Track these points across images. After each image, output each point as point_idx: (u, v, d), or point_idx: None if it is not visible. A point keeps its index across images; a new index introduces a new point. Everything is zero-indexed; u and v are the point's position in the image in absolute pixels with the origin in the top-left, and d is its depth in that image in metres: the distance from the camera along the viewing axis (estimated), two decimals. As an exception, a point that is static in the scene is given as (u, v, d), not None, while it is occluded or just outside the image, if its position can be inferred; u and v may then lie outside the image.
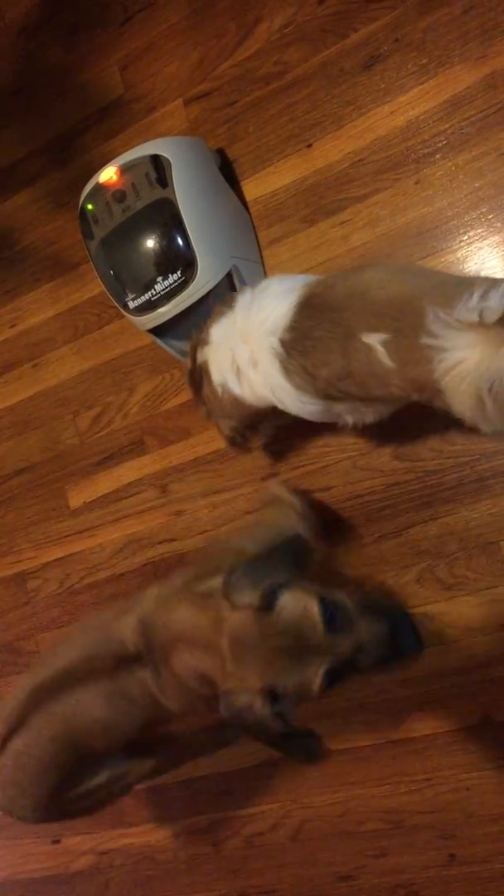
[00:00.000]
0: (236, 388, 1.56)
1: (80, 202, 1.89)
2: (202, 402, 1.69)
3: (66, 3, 2.26)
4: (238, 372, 1.54)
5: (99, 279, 1.92)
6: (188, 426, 2.08)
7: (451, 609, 1.78)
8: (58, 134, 2.29)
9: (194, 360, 1.65)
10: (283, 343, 1.42)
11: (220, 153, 2.03)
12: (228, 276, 1.85)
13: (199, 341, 1.63)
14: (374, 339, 1.30)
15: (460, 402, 1.16)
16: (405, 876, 1.84)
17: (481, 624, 1.75)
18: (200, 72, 2.07)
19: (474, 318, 1.11)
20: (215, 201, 1.89)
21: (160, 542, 2.13)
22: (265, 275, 1.97)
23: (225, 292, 1.88)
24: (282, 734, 1.37)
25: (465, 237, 1.78)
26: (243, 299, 1.55)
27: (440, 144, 1.80)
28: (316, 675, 1.32)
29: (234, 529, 2.01)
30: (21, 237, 2.34)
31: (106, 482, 2.21)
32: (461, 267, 1.78)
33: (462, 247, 1.79)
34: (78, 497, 2.25)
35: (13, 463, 2.37)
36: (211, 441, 2.02)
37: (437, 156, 1.81)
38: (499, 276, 1.75)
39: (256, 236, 1.99)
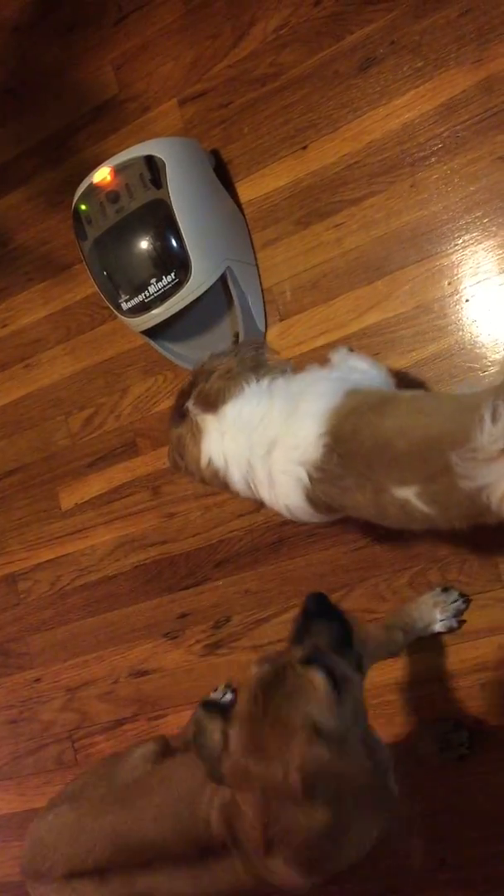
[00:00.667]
0: (236, 481, 1.51)
1: (74, 202, 1.89)
2: (175, 449, 1.62)
3: (61, 1, 2.26)
4: (248, 471, 1.49)
5: (92, 280, 1.91)
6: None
7: (444, 613, 1.78)
8: (52, 133, 2.28)
9: (184, 398, 1.58)
10: (311, 478, 1.40)
11: (215, 154, 2.02)
12: (222, 278, 1.85)
13: (204, 402, 1.54)
14: (407, 493, 1.29)
15: None
16: (394, 880, 1.84)
17: (474, 628, 1.74)
18: (195, 72, 2.06)
19: (497, 447, 1.12)
20: (210, 203, 1.89)
21: (152, 545, 2.13)
22: (259, 278, 1.96)
23: (219, 294, 1.88)
24: None
25: (460, 241, 1.78)
26: (275, 400, 1.48)
27: (436, 148, 1.80)
28: None
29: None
30: (14, 237, 2.33)
31: (98, 483, 2.20)
32: (456, 271, 1.78)
33: (457, 251, 1.78)
34: (70, 498, 2.25)
35: (4, 464, 2.36)
36: (204, 443, 2.02)
37: (433, 159, 1.80)
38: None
39: (251, 238, 1.98)
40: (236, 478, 1.50)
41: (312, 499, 1.42)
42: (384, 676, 1.83)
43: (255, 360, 1.57)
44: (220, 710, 1.20)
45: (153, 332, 1.90)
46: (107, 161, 1.84)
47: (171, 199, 1.78)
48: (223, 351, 1.64)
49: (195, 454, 1.55)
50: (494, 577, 1.73)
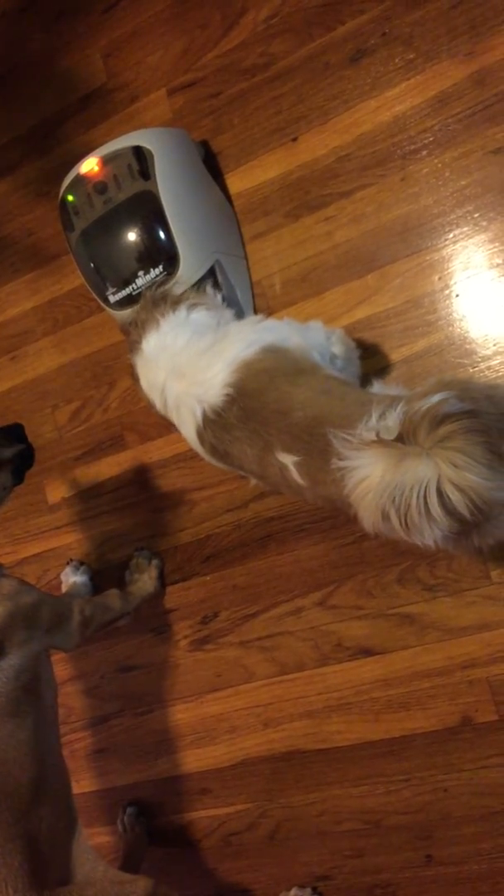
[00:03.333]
0: (158, 407, 1.61)
1: (61, 193, 1.86)
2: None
3: (49, -12, 2.22)
4: (162, 397, 1.58)
5: (79, 272, 1.88)
6: (168, 422, 2.05)
7: (432, 610, 1.77)
8: (39, 122, 2.25)
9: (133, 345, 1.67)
10: (206, 418, 1.48)
11: (204, 145, 2.00)
12: (211, 271, 1.83)
13: (132, 342, 1.66)
14: (288, 459, 1.38)
15: (367, 516, 1.20)
16: (383, 876, 1.84)
17: (462, 625, 1.74)
18: (185, 62, 2.04)
19: (373, 436, 1.18)
20: (199, 195, 1.86)
21: (139, 539, 2.11)
22: (249, 271, 1.94)
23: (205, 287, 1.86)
24: None
25: (451, 235, 1.77)
26: (201, 335, 1.56)
27: (427, 141, 1.78)
28: None
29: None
30: (0, 227, 2.30)
31: (85, 477, 2.18)
32: (446, 266, 1.76)
33: (447, 245, 1.77)
34: (56, 492, 2.23)
35: (-9, 456, 2.33)
36: (192, 437, 2.00)
37: (424, 152, 1.79)
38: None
39: (240, 231, 1.96)
40: (157, 404, 1.60)
41: (201, 436, 1.50)
42: (371, 674, 1.83)
43: (163, 294, 1.65)
44: None
45: (141, 325, 1.87)
46: (94, 151, 1.82)
47: (160, 190, 1.75)
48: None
49: (140, 393, 1.67)
50: (482, 573, 1.72)
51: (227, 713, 1.99)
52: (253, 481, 1.65)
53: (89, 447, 2.17)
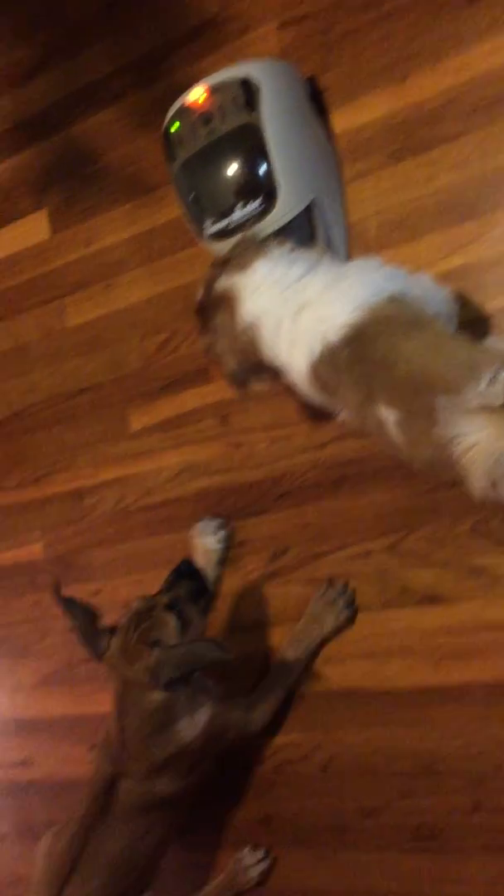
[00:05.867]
0: (265, 337, 1.57)
1: (166, 122, 1.88)
2: (208, 331, 1.71)
3: None
4: (277, 327, 1.55)
5: (179, 202, 1.90)
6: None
7: (502, 563, 1.77)
8: (147, 51, 2.25)
9: (213, 281, 1.65)
10: (322, 355, 1.46)
11: (311, 82, 1.98)
12: (308, 208, 1.83)
13: (232, 265, 1.63)
14: (388, 415, 1.37)
15: (475, 483, 1.21)
16: (428, 818, 1.87)
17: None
18: (298, -6, 2.01)
19: (479, 404, 1.18)
20: (302, 131, 1.85)
21: (216, 472, 2.16)
22: (346, 211, 1.93)
23: (303, 225, 1.86)
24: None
25: None
26: (317, 269, 1.55)
27: (540, 87, 1.74)
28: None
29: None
30: (102, 155, 2.33)
31: (168, 408, 2.23)
32: (549, 217, 1.73)
33: (551, 196, 1.73)
34: (139, 420, 2.28)
35: (78, 381, 2.40)
36: (275, 375, 2.02)
37: (536, 99, 1.74)
38: None
39: (341, 170, 1.95)
40: (266, 334, 1.57)
41: (315, 372, 1.49)
42: (435, 621, 1.85)
43: (262, 238, 1.69)
44: (110, 629, 1.83)
45: (234, 260, 1.89)
46: (202, 80, 1.82)
47: (264, 124, 1.75)
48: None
49: (233, 326, 1.62)
50: None
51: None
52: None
53: (174, 378, 2.22)
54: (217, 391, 2.14)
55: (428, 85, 1.86)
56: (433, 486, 1.84)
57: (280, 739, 2.06)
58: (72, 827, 1.90)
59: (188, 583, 1.87)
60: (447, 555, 1.83)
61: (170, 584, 1.87)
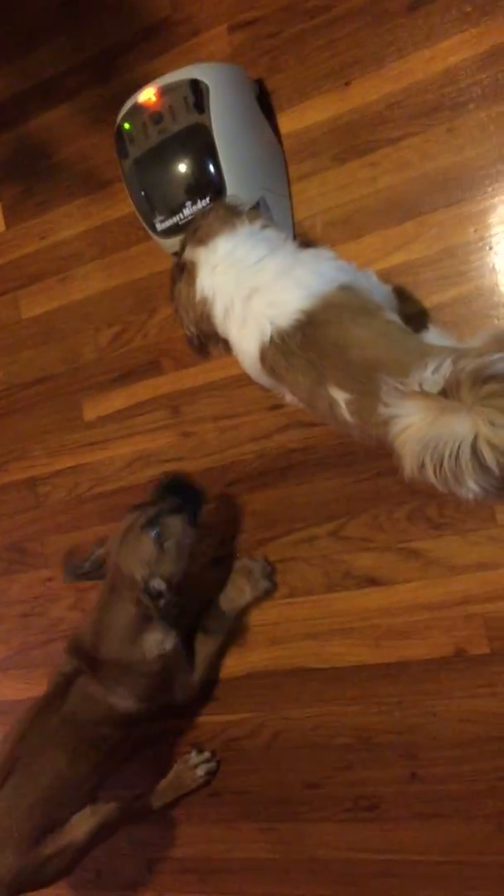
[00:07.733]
0: (217, 314, 1.63)
1: (118, 120, 1.93)
2: (172, 295, 1.76)
3: None
4: (229, 307, 1.61)
5: (130, 198, 1.96)
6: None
7: (437, 547, 1.87)
8: (102, 50, 2.30)
9: (184, 247, 1.70)
10: (272, 339, 1.53)
11: (259, 84, 2.05)
12: (256, 206, 1.89)
13: (198, 236, 1.67)
14: (339, 396, 1.45)
15: (407, 464, 1.27)
16: (368, 789, 1.97)
17: (464, 563, 1.84)
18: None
19: (417, 387, 1.25)
20: (250, 131, 1.93)
21: (167, 461, 2.22)
22: (292, 210, 2.01)
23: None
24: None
25: (490, 189, 1.82)
26: (275, 255, 1.59)
27: (475, 94, 1.82)
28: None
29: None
30: (58, 150, 2.37)
31: (121, 398, 2.29)
32: (483, 218, 1.82)
33: (486, 198, 1.82)
34: (93, 410, 2.34)
35: (33, 372, 2.45)
36: (225, 367, 2.09)
37: (471, 105, 1.83)
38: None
39: (287, 170, 2.02)
40: (218, 311, 1.62)
41: (263, 356, 1.56)
42: (375, 602, 1.94)
43: (235, 210, 1.69)
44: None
45: (185, 255, 1.95)
46: (153, 81, 1.88)
47: (213, 124, 1.82)
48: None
49: (191, 295, 1.67)
50: (489, 516, 1.81)
51: (237, 628, 2.11)
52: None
53: (127, 370, 2.28)
54: (168, 383, 2.21)
55: (371, 89, 1.94)
56: (373, 473, 1.93)
57: (228, 717, 2.14)
58: (22, 723, 1.96)
59: (172, 498, 1.92)
60: (386, 539, 1.92)
61: (154, 497, 1.95)
